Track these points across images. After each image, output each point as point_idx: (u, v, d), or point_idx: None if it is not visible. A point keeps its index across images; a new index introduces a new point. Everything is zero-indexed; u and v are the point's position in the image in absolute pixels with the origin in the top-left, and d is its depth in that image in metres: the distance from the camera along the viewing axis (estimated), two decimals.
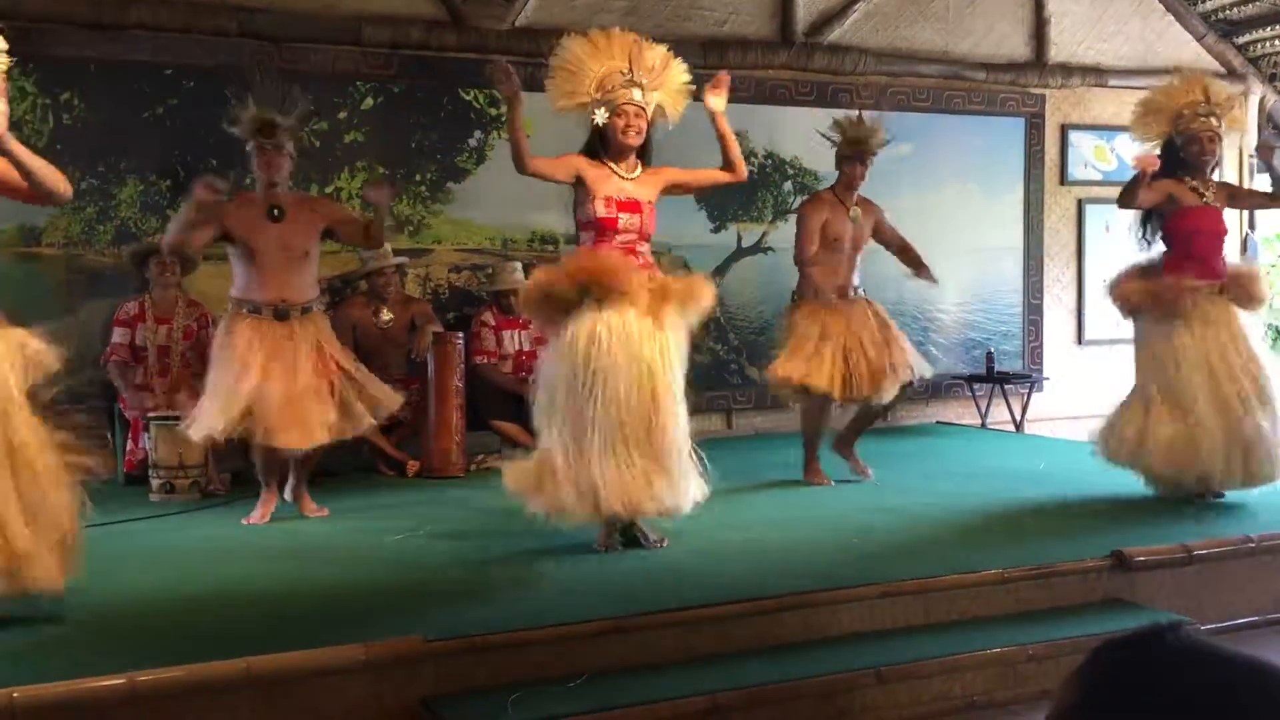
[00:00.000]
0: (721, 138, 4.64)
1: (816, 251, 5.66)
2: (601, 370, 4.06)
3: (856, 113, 5.98)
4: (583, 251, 4.36)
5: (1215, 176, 5.52)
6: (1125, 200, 5.27)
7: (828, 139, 5.84)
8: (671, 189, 4.59)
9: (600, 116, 4.32)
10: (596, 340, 4.08)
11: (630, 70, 4.37)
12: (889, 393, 5.62)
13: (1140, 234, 5.39)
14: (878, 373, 5.55)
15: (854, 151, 5.69)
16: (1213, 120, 5.29)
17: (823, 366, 5.52)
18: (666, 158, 4.73)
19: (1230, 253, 5.65)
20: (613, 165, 4.40)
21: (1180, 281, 5.11)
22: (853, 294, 5.76)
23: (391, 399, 5.04)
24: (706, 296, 4.37)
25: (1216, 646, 1.03)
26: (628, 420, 4.06)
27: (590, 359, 4.07)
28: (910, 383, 5.85)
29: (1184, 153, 5.27)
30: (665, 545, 4.37)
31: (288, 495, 5.12)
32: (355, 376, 4.94)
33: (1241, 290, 5.21)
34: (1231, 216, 5.86)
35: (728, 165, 4.69)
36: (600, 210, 4.32)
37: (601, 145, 4.41)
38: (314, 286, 5.01)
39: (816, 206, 5.75)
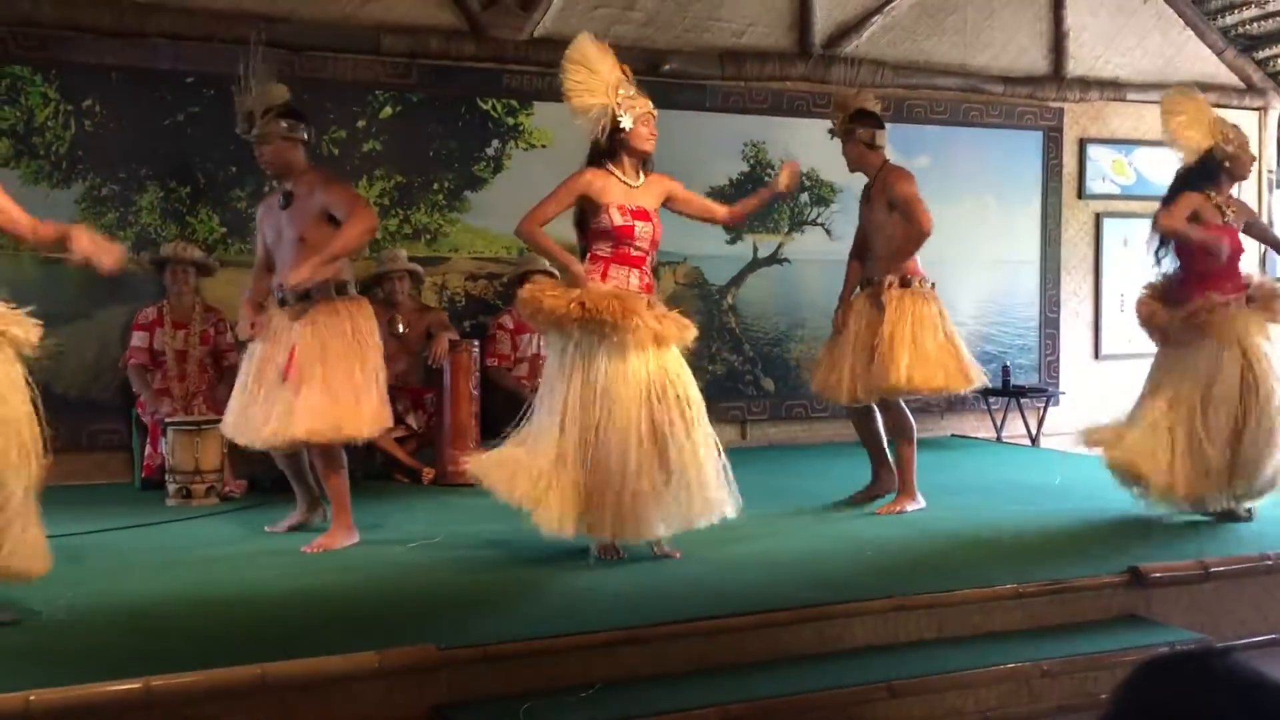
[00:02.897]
0: (760, 199, 4.84)
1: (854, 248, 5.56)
2: (606, 398, 4.12)
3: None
4: (594, 285, 4.29)
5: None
6: (1167, 223, 5.12)
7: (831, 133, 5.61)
8: (668, 203, 4.58)
9: (626, 121, 4.34)
10: (600, 371, 4.14)
11: (629, 79, 4.42)
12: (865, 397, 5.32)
13: (1155, 251, 5.29)
14: (858, 376, 5.27)
15: (838, 128, 5.45)
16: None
17: (824, 371, 5.45)
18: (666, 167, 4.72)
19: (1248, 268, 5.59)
20: (620, 173, 4.40)
21: (1210, 300, 5.04)
22: (867, 286, 5.39)
23: (374, 421, 4.62)
24: (689, 336, 4.38)
25: (1258, 673, 1.02)
26: (631, 447, 4.10)
27: (596, 388, 4.13)
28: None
29: (1230, 164, 5.16)
30: (679, 557, 4.38)
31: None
32: (330, 380, 4.52)
33: (1266, 301, 5.17)
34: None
35: (736, 211, 4.75)
36: (617, 219, 4.33)
37: (614, 149, 4.39)
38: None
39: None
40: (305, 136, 4.72)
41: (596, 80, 4.35)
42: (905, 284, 5.32)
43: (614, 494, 4.11)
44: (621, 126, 4.33)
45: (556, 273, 6.69)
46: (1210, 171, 5.17)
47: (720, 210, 4.77)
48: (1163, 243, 5.27)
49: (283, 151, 4.66)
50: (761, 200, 4.88)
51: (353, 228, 4.50)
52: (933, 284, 5.46)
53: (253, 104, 4.70)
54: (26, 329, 3.51)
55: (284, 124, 4.64)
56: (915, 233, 5.28)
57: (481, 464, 4.32)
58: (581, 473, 4.12)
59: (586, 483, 4.12)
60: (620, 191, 4.37)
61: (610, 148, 4.38)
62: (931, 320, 5.29)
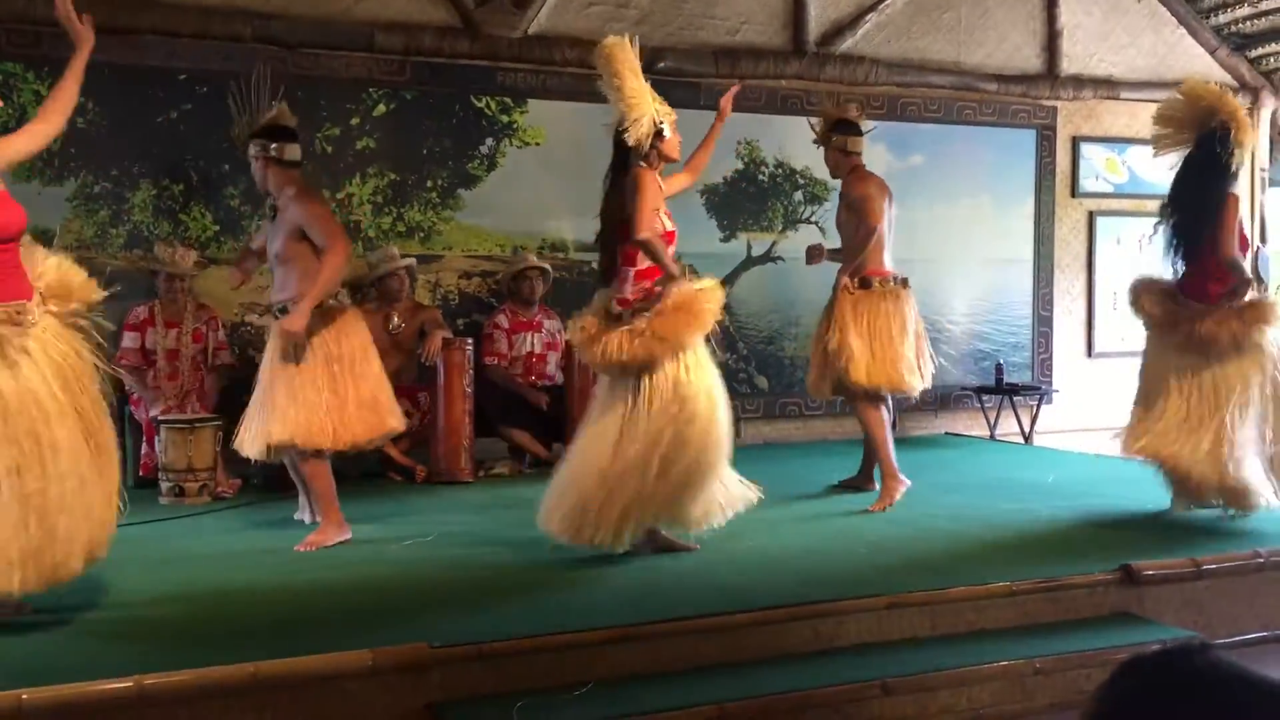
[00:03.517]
0: (712, 138, 4.84)
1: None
2: (681, 395, 4.25)
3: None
4: (686, 292, 4.38)
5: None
6: (1229, 247, 5.00)
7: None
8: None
9: (667, 129, 4.44)
10: (681, 370, 4.27)
11: None
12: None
13: (1172, 252, 5.17)
14: (825, 373, 5.69)
15: (820, 136, 5.73)
16: None
17: (811, 367, 5.86)
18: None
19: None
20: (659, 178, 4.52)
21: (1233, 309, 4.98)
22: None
23: (367, 429, 4.69)
24: None
25: (1240, 668, 1.03)
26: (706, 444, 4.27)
27: (678, 389, 4.25)
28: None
29: (1237, 162, 5.04)
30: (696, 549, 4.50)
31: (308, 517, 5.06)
32: (304, 388, 4.58)
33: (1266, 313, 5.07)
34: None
35: (694, 165, 4.80)
36: (668, 224, 4.46)
37: (650, 155, 4.44)
38: (290, 287, 4.70)
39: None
40: (274, 154, 4.76)
41: (640, 81, 4.43)
42: (865, 284, 5.51)
43: (690, 487, 4.22)
44: (664, 135, 4.42)
45: (548, 267, 6.72)
46: (1215, 156, 5.07)
47: (687, 175, 4.80)
48: (1178, 247, 5.17)
49: (257, 171, 4.84)
50: (713, 136, 4.85)
51: (329, 265, 4.59)
52: (903, 280, 5.61)
53: (241, 124, 4.94)
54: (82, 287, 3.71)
55: (252, 149, 4.80)
56: (865, 230, 5.49)
57: (557, 526, 4.31)
58: (653, 477, 4.17)
59: (671, 481, 4.19)
60: (661, 197, 4.47)
61: (653, 156, 4.45)
62: (886, 320, 5.47)
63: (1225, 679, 1.03)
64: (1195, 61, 8.74)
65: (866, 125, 5.85)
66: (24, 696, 2.86)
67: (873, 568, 4.25)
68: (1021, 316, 8.49)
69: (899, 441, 7.78)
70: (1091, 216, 8.69)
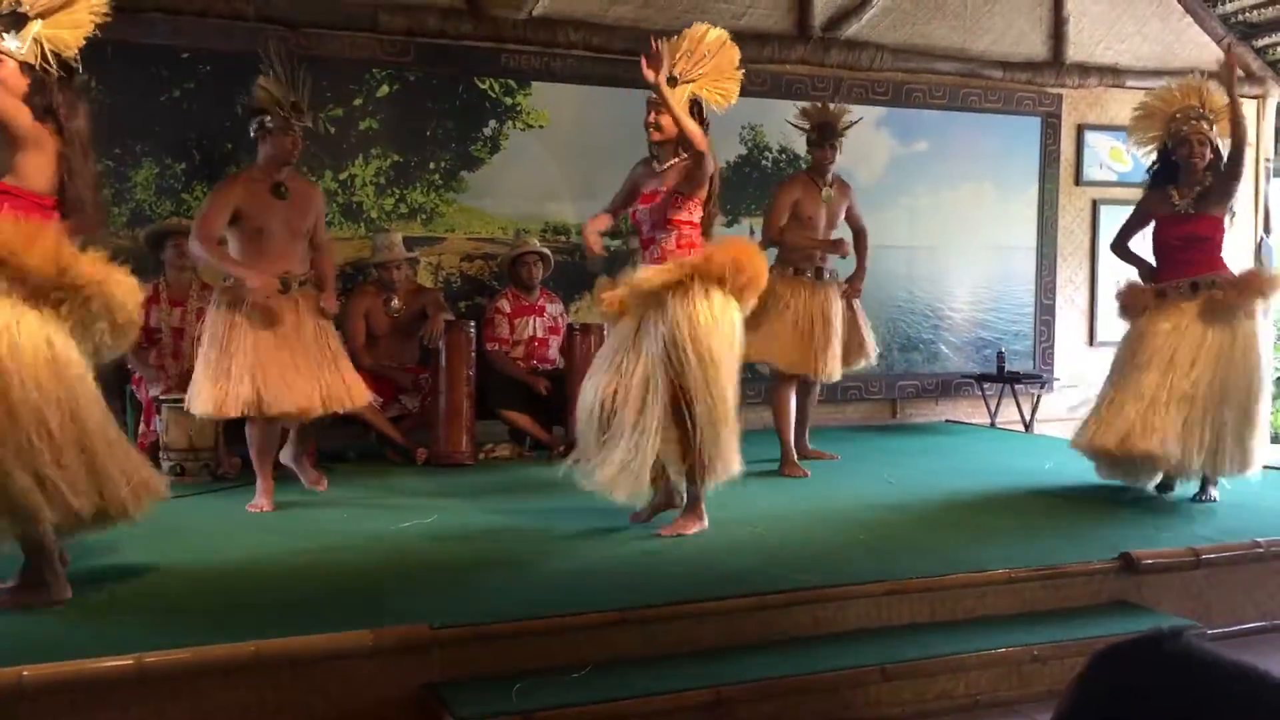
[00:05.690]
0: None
1: (785, 228, 6.02)
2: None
3: (819, 104, 6.42)
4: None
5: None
6: (1119, 248, 5.63)
7: (797, 127, 6.33)
8: None
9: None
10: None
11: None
12: (836, 373, 6.05)
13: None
14: (842, 353, 6.04)
15: (821, 135, 6.12)
16: (1204, 125, 5.26)
17: (789, 344, 5.92)
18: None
19: (1240, 257, 5.59)
20: None
21: (1130, 287, 5.50)
22: (826, 275, 6.11)
23: (360, 395, 5.07)
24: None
25: (1213, 654, 1.03)
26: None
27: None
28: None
29: (1175, 155, 5.32)
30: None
31: (286, 459, 5.23)
32: (338, 355, 5.07)
33: (1247, 289, 5.19)
34: (1248, 221, 5.83)
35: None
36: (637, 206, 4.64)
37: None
38: (306, 261, 5.10)
39: (788, 187, 6.17)
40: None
41: (691, 71, 4.60)
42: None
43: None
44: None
45: (548, 252, 6.70)
46: (1167, 164, 5.41)
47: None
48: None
49: (294, 144, 5.01)
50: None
51: (332, 260, 5.28)
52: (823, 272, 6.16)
53: (294, 94, 5.02)
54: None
55: (298, 122, 5.01)
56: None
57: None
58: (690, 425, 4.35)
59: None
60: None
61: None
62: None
63: (1197, 665, 1.03)
64: (1202, 50, 8.71)
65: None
66: (24, 673, 2.87)
67: (872, 553, 4.25)
68: (1024, 304, 8.49)
69: (899, 427, 7.83)
70: (1095, 205, 8.67)
